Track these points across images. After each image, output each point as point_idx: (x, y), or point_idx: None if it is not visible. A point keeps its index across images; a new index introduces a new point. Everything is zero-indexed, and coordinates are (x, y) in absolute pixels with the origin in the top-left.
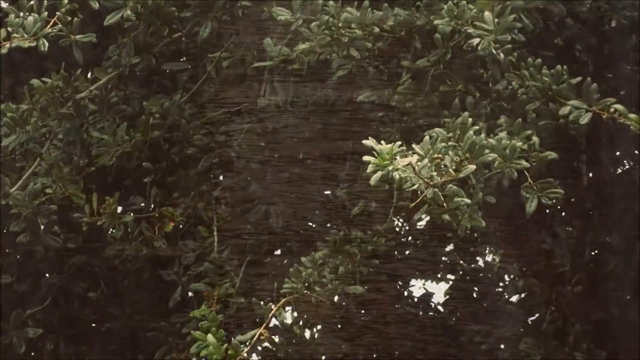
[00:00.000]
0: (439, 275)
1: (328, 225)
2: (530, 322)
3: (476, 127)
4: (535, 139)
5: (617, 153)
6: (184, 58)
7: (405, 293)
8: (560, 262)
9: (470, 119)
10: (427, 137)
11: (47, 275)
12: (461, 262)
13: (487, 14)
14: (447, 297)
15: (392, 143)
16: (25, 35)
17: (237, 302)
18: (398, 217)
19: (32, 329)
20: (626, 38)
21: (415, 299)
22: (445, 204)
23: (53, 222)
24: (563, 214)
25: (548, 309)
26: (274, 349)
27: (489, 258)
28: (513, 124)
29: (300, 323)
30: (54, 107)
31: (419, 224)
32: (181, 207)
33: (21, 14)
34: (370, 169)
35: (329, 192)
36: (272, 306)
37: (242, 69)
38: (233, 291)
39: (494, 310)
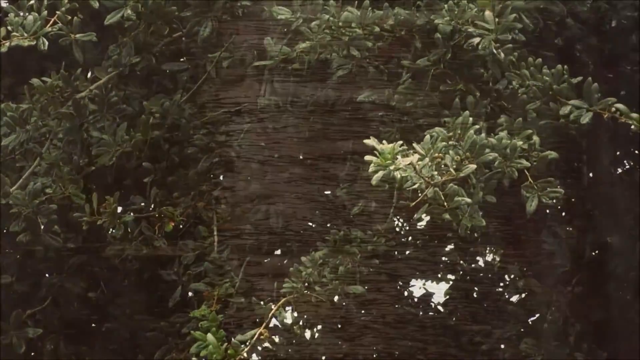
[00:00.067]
0: (439, 275)
1: (328, 225)
2: (530, 322)
3: (477, 127)
4: (535, 138)
5: (617, 153)
6: (184, 58)
7: (406, 293)
8: (560, 262)
9: (470, 119)
10: (427, 137)
11: (47, 275)
12: (461, 262)
13: (487, 13)
14: (447, 297)
15: (394, 143)
16: (25, 34)
17: (237, 302)
18: (398, 217)
19: (32, 329)
20: (626, 38)
21: (416, 299)
22: (445, 203)
23: (53, 222)
24: (563, 214)
25: (548, 309)
26: (274, 349)
27: (489, 258)
28: (513, 124)
29: (300, 323)
30: (54, 106)
31: (419, 224)
32: (181, 206)
33: (21, 13)
34: (371, 168)
35: (329, 192)
36: (272, 306)
37: (242, 68)
38: (233, 291)
39: (494, 311)
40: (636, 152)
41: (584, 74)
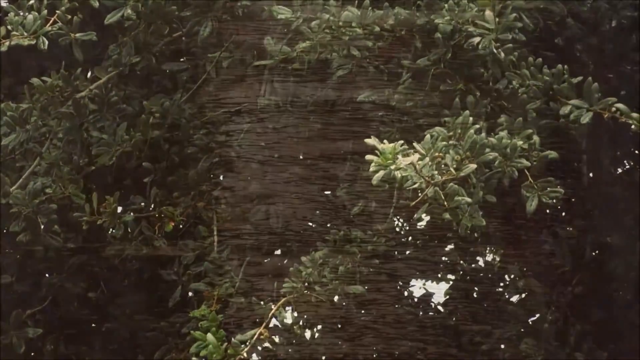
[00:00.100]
0: (439, 275)
1: (328, 225)
2: (530, 323)
3: (477, 126)
4: (535, 138)
5: (617, 153)
6: (184, 58)
7: (406, 293)
8: (560, 262)
9: (470, 118)
10: (428, 136)
11: (47, 275)
12: (461, 262)
13: (488, 13)
14: (447, 297)
15: (395, 142)
16: (25, 34)
17: (237, 302)
18: (398, 217)
19: (32, 329)
20: (626, 38)
21: (416, 299)
22: (446, 203)
23: (53, 222)
24: (563, 213)
25: (549, 309)
26: (274, 349)
27: (489, 258)
28: (514, 123)
29: (300, 323)
30: (54, 106)
31: (419, 224)
32: (181, 206)
33: (21, 12)
34: (372, 168)
35: (329, 192)
36: (272, 306)
37: (242, 68)
38: (233, 291)
39: (494, 311)
40: (636, 152)
41: (584, 74)
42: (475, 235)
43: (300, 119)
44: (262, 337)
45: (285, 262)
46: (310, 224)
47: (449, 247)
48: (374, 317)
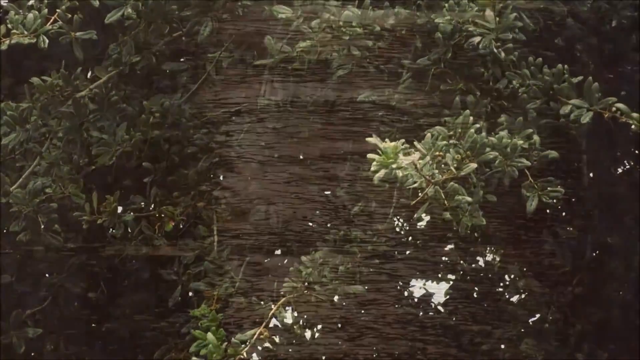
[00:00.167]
0: (439, 275)
1: (328, 225)
2: (531, 323)
3: (477, 126)
4: (536, 137)
5: (617, 153)
6: (184, 57)
7: (406, 293)
8: (561, 262)
9: (471, 118)
10: (428, 135)
11: (47, 275)
12: (461, 262)
13: (488, 12)
14: (447, 297)
15: (396, 141)
16: (25, 32)
17: (237, 301)
18: (398, 217)
19: (32, 329)
20: (626, 38)
21: (416, 299)
22: (446, 202)
23: (53, 221)
24: (563, 213)
25: (549, 309)
26: (274, 348)
27: (489, 258)
28: (514, 123)
29: (300, 323)
30: (54, 105)
31: (419, 224)
32: (181, 206)
33: (21, 11)
34: (374, 167)
35: (329, 192)
36: (272, 306)
37: (242, 68)
38: (233, 291)
39: (494, 311)
40: (636, 152)
41: (585, 74)
42: (476, 235)
43: (301, 119)
44: (262, 336)
45: (285, 262)
46: (310, 224)
47: (449, 247)
48: (374, 317)
